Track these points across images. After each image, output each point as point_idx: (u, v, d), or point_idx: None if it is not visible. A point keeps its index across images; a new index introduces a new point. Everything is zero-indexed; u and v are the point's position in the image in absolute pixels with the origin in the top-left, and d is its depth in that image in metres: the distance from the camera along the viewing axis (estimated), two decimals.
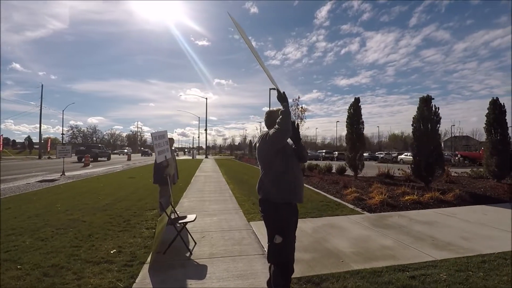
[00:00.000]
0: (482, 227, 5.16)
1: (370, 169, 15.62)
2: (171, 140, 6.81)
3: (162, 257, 3.86)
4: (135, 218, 6.08)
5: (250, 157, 41.67)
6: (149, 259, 3.71)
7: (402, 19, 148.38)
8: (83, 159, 26.07)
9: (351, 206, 6.98)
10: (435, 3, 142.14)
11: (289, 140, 2.71)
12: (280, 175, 2.47)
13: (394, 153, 44.00)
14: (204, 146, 62.67)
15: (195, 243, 4.47)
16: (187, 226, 4.86)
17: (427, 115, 8.98)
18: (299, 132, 2.71)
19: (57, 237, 4.66)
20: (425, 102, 9.14)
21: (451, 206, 6.93)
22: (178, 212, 6.53)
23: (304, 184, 11.03)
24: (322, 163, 18.05)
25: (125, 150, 60.06)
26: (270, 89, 27.36)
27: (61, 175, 15.88)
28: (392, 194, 7.92)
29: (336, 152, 47.55)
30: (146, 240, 4.60)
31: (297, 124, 2.73)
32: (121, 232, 5.08)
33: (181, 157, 60.25)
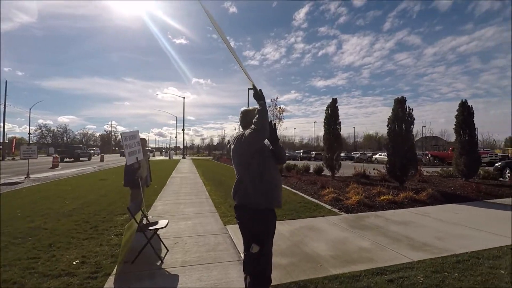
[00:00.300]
0: (454, 226, 5.28)
1: (347, 169, 15.87)
2: (144, 141, 6.48)
3: (130, 267, 3.59)
4: (104, 224, 5.71)
5: (228, 157, 41.33)
6: (115, 270, 3.43)
7: (377, 24, 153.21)
8: (56, 159, 24.66)
9: (329, 207, 6.96)
10: (407, 9, 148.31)
11: (266, 141, 2.57)
12: (257, 178, 2.30)
13: (369, 153, 45.28)
14: (181, 146, 61.37)
15: (167, 250, 4.22)
16: (159, 232, 4.62)
17: (401, 116, 9.18)
18: (276, 132, 2.57)
19: (13, 247, 4.23)
20: (400, 104, 9.34)
21: (424, 205, 7.09)
22: (149, 217, 6.20)
23: (282, 185, 10.93)
24: (300, 163, 18.13)
25: (92, 151, 54.68)
26: (248, 89, 27.17)
27: (25, 177, 14.85)
28: (368, 194, 8.00)
29: (313, 152, 48.20)
30: (114, 248, 4.29)
31: (274, 124, 2.58)
32: (86, 240, 4.72)
33: (158, 157, 58.85)
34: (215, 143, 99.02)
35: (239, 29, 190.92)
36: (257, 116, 2.19)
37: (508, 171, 12.33)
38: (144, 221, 5.89)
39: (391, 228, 5.17)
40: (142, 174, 6.26)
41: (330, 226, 5.40)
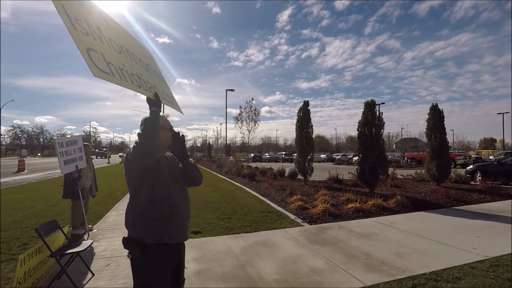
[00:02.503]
0: (418, 239, 4.95)
1: (324, 171, 15.62)
2: (87, 147, 5.87)
3: None
4: (37, 241, 5.04)
5: (209, 160, 40.66)
6: None
7: (358, 27, 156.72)
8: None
9: (293, 217, 6.54)
10: (387, 14, 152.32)
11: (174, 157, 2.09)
12: (147, 206, 1.81)
13: (350, 155, 45.61)
14: None
15: (93, 274, 3.66)
16: (96, 249, 4.09)
17: (371, 119, 8.92)
18: (184, 146, 2.08)
19: None
20: (369, 107, 9.08)
21: (392, 214, 6.79)
22: (94, 231, 5.58)
23: (252, 191, 10.47)
24: (278, 166, 17.80)
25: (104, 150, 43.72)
26: (226, 90, 26.69)
27: None
28: (336, 201, 7.65)
29: (295, 154, 48.21)
30: None
31: (183, 135, 2.08)
32: (5, 262, 4.10)
33: None
34: (198, 145, 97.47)
35: (222, 29, 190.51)
36: (142, 127, 1.71)
37: (478, 174, 12.36)
38: (86, 237, 5.32)
39: (352, 243, 4.79)
40: (84, 184, 5.67)
41: (287, 240, 4.96)
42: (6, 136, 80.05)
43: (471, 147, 72.92)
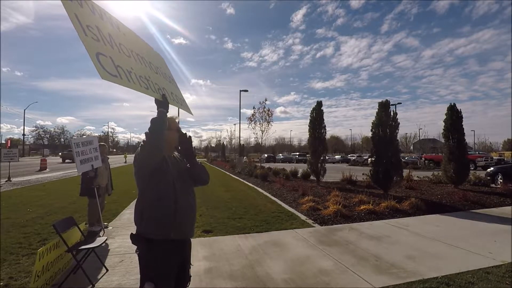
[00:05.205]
0: (431, 243, 4.85)
1: (338, 172, 15.44)
2: (103, 147, 6.07)
3: None
4: (55, 236, 5.26)
5: (223, 160, 41.00)
6: None
7: (374, 26, 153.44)
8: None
9: (304, 218, 6.53)
10: (405, 12, 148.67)
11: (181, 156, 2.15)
12: (153, 203, 1.88)
13: (366, 156, 44.86)
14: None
15: (107, 270, 3.80)
16: (110, 246, 4.23)
17: (385, 120, 8.77)
18: (191, 147, 2.14)
19: None
20: (384, 107, 8.93)
21: (405, 216, 6.66)
22: (109, 228, 5.82)
23: (264, 192, 10.51)
24: (290, 167, 17.74)
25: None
26: (240, 90, 26.83)
27: (6, 181, 14.41)
28: (348, 202, 7.57)
29: (309, 155, 47.84)
30: None
31: (189, 136, 2.15)
32: (26, 256, 4.30)
33: None
34: (213, 145, 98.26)
35: (236, 30, 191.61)
36: (149, 127, 1.79)
37: (500, 176, 11.90)
38: (102, 234, 5.52)
39: (362, 245, 4.74)
40: (100, 183, 5.87)
41: (297, 241, 4.97)
42: (29, 136, 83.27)
43: (494, 149, 70.27)
